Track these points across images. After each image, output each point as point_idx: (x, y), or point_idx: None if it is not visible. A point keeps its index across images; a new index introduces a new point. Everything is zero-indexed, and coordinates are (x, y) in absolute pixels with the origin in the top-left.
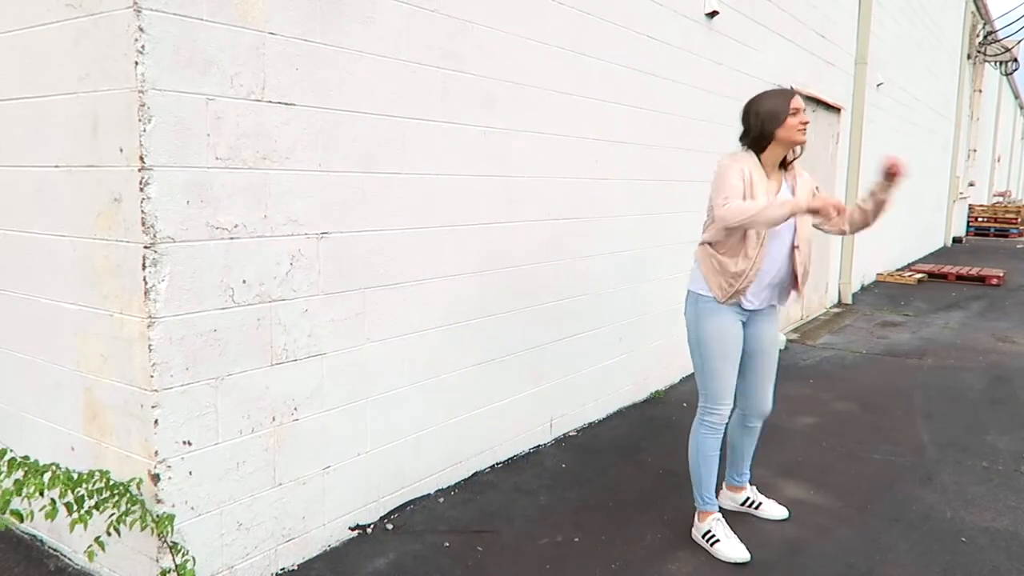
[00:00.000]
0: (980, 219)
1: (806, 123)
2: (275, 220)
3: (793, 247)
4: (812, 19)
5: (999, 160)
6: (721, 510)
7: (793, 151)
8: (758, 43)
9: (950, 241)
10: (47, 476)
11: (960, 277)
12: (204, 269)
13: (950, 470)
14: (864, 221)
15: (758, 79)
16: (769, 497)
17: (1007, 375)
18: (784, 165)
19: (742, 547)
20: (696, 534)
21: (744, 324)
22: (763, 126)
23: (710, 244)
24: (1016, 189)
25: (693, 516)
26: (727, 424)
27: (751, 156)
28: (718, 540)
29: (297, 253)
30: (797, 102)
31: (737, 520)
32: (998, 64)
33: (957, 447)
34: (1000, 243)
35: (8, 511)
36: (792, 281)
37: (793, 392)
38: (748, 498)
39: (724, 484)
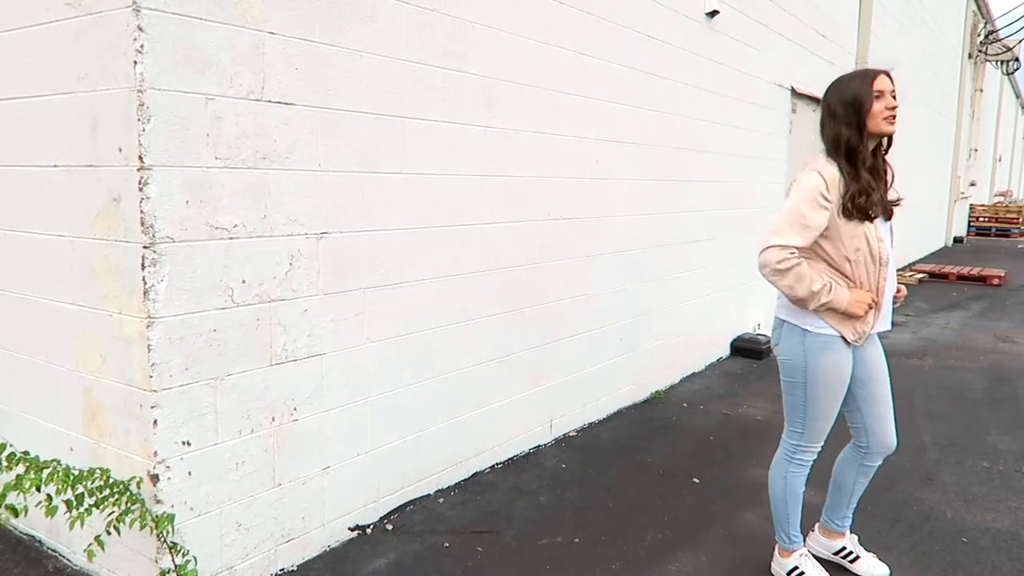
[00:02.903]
0: (981, 219)
1: (894, 108)
2: (274, 220)
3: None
4: (813, 18)
5: (1000, 160)
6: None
7: (881, 144)
8: (758, 43)
9: (951, 241)
10: (46, 472)
11: (961, 277)
12: (203, 269)
13: (951, 470)
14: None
15: (758, 79)
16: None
17: (1008, 375)
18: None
19: None
20: (778, 569)
21: (852, 351)
22: (844, 123)
23: None
24: (1017, 189)
25: (696, 515)
26: (836, 461)
27: (834, 168)
28: None
29: (296, 253)
30: (883, 82)
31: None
32: (999, 63)
33: (958, 447)
34: (1001, 243)
35: (3, 505)
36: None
37: None
38: (844, 548)
39: (818, 526)
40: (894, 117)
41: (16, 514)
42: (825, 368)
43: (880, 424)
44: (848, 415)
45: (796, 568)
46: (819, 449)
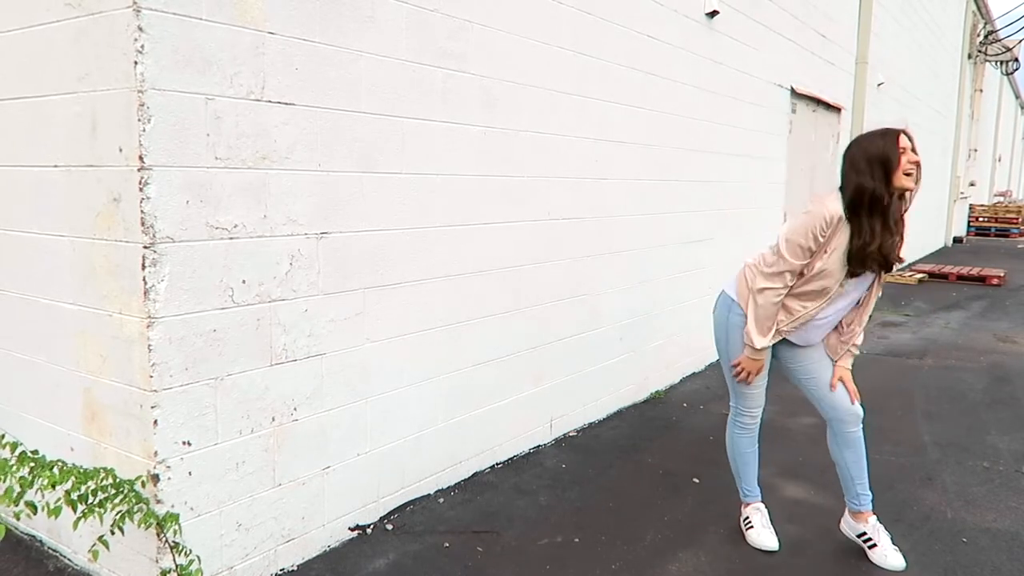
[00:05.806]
0: (981, 219)
1: (915, 162)
2: (275, 220)
3: (861, 305)
4: (812, 18)
5: (1000, 160)
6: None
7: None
8: (758, 43)
9: (951, 241)
10: (56, 470)
11: (961, 277)
12: (204, 269)
13: (951, 470)
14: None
15: (758, 79)
16: (771, 504)
17: (1008, 375)
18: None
19: (773, 538)
20: (741, 521)
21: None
22: (869, 176)
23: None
24: (1017, 189)
25: (696, 515)
26: (757, 426)
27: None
28: (752, 527)
29: (297, 253)
30: (904, 140)
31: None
32: (999, 63)
33: (958, 447)
34: (1001, 243)
35: (24, 502)
36: (835, 330)
37: (793, 392)
38: (865, 533)
39: (846, 509)
40: (913, 173)
41: (35, 511)
42: (740, 344)
43: (836, 399)
44: (812, 402)
45: (747, 517)
46: (757, 414)
